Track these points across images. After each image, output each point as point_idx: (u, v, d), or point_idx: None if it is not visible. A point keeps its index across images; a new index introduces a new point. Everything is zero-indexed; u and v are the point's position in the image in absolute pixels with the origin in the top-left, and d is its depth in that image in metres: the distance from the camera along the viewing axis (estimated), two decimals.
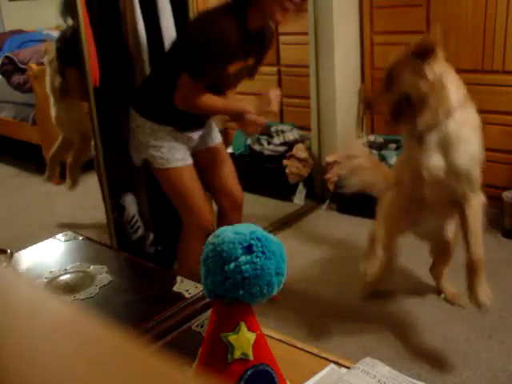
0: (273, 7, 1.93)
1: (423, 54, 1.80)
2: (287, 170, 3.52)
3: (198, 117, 2.15)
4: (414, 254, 2.82)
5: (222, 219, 2.38)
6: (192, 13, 2.48)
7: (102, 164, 2.38)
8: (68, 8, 2.66)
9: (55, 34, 5.41)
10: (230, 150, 3.81)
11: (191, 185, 2.17)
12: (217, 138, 2.34)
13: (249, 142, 3.70)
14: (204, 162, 2.29)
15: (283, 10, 1.94)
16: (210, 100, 2.03)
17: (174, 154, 2.12)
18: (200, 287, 0.89)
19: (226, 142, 4.02)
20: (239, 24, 1.96)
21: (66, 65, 2.69)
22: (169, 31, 2.40)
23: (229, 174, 2.35)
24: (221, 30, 1.92)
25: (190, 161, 2.19)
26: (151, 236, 2.87)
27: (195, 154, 2.25)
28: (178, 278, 0.94)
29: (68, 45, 2.65)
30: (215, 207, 2.45)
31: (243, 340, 0.64)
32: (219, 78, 2.03)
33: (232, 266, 0.61)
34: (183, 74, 1.96)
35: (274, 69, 3.84)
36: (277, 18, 1.97)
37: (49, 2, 5.41)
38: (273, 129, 3.67)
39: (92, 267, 0.99)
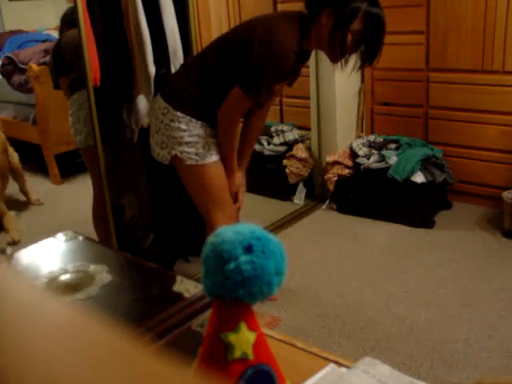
0: (336, 45, 1.91)
1: None
2: (287, 170, 3.52)
3: None
4: (413, 255, 2.82)
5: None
6: (192, 12, 2.48)
7: (102, 164, 2.38)
8: (68, 22, 2.73)
9: (55, 34, 5.42)
10: None
11: (224, 181, 2.10)
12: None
13: None
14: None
15: (345, 50, 1.92)
16: (237, 130, 2.05)
17: (209, 150, 2.04)
18: (200, 287, 0.89)
19: None
20: (299, 43, 1.93)
21: (61, 74, 2.73)
22: (171, 30, 2.40)
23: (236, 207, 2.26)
24: (285, 53, 1.88)
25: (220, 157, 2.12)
26: (151, 236, 2.87)
27: None
28: (178, 278, 0.94)
29: (62, 55, 2.71)
30: None
31: (243, 340, 0.64)
32: (268, 96, 2.03)
33: (232, 265, 0.61)
34: (237, 87, 1.93)
35: None
36: (336, 58, 1.97)
37: (49, 2, 5.42)
38: (273, 129, 3.67)
39: (92, 267, 0.99)
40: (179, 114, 2.00)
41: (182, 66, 2.16)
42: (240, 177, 2.16)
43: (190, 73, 2.04)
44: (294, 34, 1.91)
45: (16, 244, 3.31)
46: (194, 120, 2.00)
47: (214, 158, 2.05)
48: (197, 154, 2.02)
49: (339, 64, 2.01)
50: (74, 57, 2.64)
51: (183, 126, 2.00)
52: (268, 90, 1.93)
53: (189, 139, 2.01)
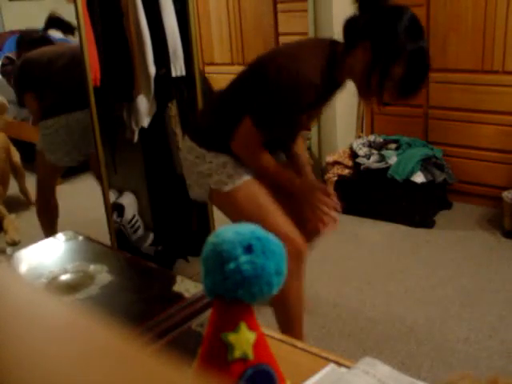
0: (371, 84, 1.67)
1: None
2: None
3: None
4: (413, 255, 2.82)
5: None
6: (192, 12, 2.47)
7: (102, 164, 2.38)
8: (25, 45, 2.92)
9: (55, 34, 5.41)
10: None
11: (268, 199, 1.82)
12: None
13: None
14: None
15: (381, 91, 1.69)
16: (265, 158, 1.79)
17: (240, 169, 1.82)
18: (200, 287, 0.89)
19: None
20: (327, 75, 1.69)
21: (24, 91, 2.80)
22: (171, 30, 2.40)
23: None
24: (304, 85, 1.64)
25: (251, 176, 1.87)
26: (151, 236, 2.87)
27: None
28: (178, 278, 0.94)
29: (23, 72, 2.78)
30: None
31: (243, 340, 0.64)
32: (292, 128, 1.86)
33: (232, 265, 0.61)
34: (247, 118, 1.72)
35: None
36: (368, 98, 1.76)
37: (49, 2, 5.42)
38: None
39: (92, 267, 0.99)
40: (204, 150, 1.84)
41: (207, 102, 2.06)
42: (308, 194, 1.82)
43: (213, 108, 1.91)
44: (320, 65, 1.67)
45: (16, 245, 3.33)
46: (220, 154, 1.83)
47: (248, 176, 1.83)
48: (228, 177, 1.82)
49: (368, 99, 1.81)
50: (40, 73, 2.73)
51: (208, 159, 1.84)
52: (282, 124, 1.75)
53: (216, 168, 1.83)
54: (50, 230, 2.92)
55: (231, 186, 1.82)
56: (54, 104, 2.71)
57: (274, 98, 1.69)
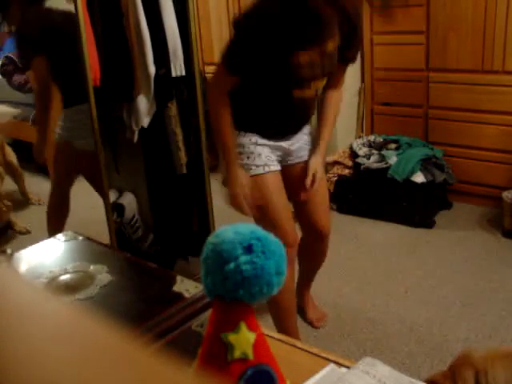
0: None
1: None
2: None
3: (286, 123, 1.92)
4: (413, 255, 2.82)
5: (304, 249, 2.10)
6: (192, 12, 2.48)
7: (102, 164, 2.38)
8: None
9: None
10: None
11: (274, 195, 1.88)
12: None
13: None
14: (292, 179, 2.00)
15: None
16: (224, 112, 1.82)
17: (255, 161, 1.88)
18: (200, 287, 0.89)
19: None
20: (289, 1, 1.68)
21: (34, 54, 2.42)
22: (171, 30, 2.40)
23: (319, 205, 2.03)
24: (258, 10, 1.67)
25: (274, 167, 1.92)
26: (151, 236, 2.87)
27: (285, 168, 2.00)
28: (178, 278, 0.94)
29: (33, 30, 2.43)
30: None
31: (243, 340, 0.64)
32: (278, 69, 1.78)
33: (232, 265, 0.61)
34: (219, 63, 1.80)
35: None
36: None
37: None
38: None
39: (92, 267, 0.99)
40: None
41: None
42: (245, 177, 1.88)
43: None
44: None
45: (29, 232, 3.42)
46: (241, 133, 1.90)
47: (260, 169, 1.88)
48: (244, 166, 1.89)
49: None
50: (47, 33, 2.44)
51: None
52: (243, 55, 1.74)
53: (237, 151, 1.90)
54: (57, 229, 2.83)
55: (255, 170, 1.88)
56: (77, 91, 2.52)
57: (235, 34, 1.74)
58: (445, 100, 3.24)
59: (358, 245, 2.96)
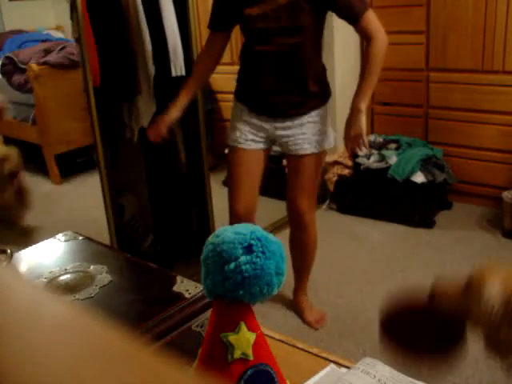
0: None
1: None
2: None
3: (273, 102, 2.01)
4: (413, 255, 2.82)
5: (291, 244, 2.29)
6: (192, 12, 2.48)
7: (102, 164, 2.38)
8: None
9: (55, 34, 5.42)
10: None
11: (239, 168, 2.11)
12: (307, 149, 2.07)
13: None
14: (288, 168, 2.24)
15: None
16: (194, 66, 2.16)
17: (235, 135, 2.08)
18: (200, 287, 0.89)
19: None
20: None
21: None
22: (171, 29, 2.40)
23: (297, 188, 2.16)
24: None
25: (254, 146, 2.08)
26: (151, 236, 2.87)
27: (286, 157, 2.22)
28: (178, 278, 0.94)
29: None
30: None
31: (243, 340, 0.64)
32: (237, 23, 2.03)
33: (232, 265, 0.61)
34: None
35: None
36: None
37: (49, 2, 5.42)
38: None
39: (92, 267, 0.99)
40: (234, 98, 2.14)
41: None
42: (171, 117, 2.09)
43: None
44: None
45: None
46: (237, 102, 2.11)
47: (235, 143, 2.08)
48: (228, 136, 2.13)
49: None
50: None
51: (231, 109, 2.15)
52: (213, 12, 2.03)
53: (231, 120, 2.14)
54: None
55: (227, 143, 2.15)
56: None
57: None
58: (445, 100, 3.24)
59: (358, 245, 2.96)
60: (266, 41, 1.94)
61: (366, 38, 1.97)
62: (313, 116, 2.03)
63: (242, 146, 2.08)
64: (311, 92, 2.00)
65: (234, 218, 2.13)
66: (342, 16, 1.95)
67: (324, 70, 2.08)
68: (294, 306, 2.39)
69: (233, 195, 2.13)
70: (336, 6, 1.91)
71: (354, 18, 1.92)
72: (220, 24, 2.06)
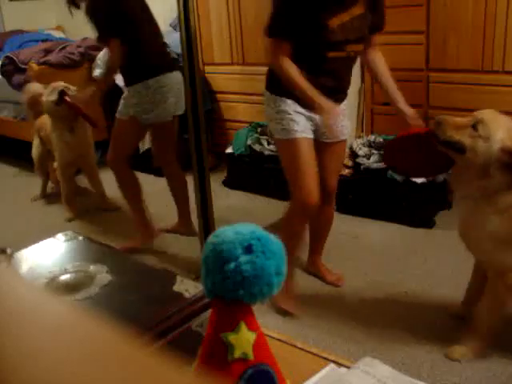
0: None
1: None
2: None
3: (327, 96, 2.09)
4: (413, 255, 2.82)
5: (318, 213, 2.35)
6: (192, 12, 2.47)
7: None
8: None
9: (55, 34, 5.41)
10: (229, 149, 3.81)
11: (305, 159, 2.17)
12: (345, 134, 2.33)
13: (249, 142, 3.70)
14: (323, 154, 2.32)
15: None
16: (288, 67, 2.05)
17: (294, 126, 2.14)
18: (200, 287, 0.89)
19: (226, 141, 4.02)
20: None
21: (109, 36, 2.60)
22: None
23: (332, 171, 2.36)
24: None
25: (310, 135, 2.19)
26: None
27: (316, 143, 2.27)
28: (178, 278, 0.94)
29: (110, 13, 2.57)
30: None
31: (243, 340, 0.64)
32: (312, 32, 2.03)
33: (232, 265, 0.61)
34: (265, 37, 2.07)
35: None
36: None
37: (49, 2, 5.42)
38: None
39: (92, 267, 0.99)
40: (269, 95, 2.20)
41: None
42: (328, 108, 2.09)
43: None
44: None
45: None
46: (279, 98, 2.15)
47: (297, 134, 2.14)
48: (283, 130, 2.16)
49: None
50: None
51: (272, 105, 2.19)
52: (284, 21, 2.01)
53: (276, 116, 2.17)
54: (135, 202, 2.85)
55: (280, 137, 2.19)
56: (154, 63, 2.69)
57: (275, 5, 2.05)
58: (445, 100, 3.24)
59: (358, 245, 2.95)
60: (340, 49, 2.09)
61: (373, 45, 2.24)
62: (343, 106, 2.29)
63: (306, 135, 2.17)
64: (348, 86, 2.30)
65: (307, 209, 2.20)
66: (373, 22, 2.14)
67: None
68: (313, 270, 2.63)
69: (304, 186, 2.17)
70: (375, 13, 2.13)
71: (381, 26, 2.21)
72: (290, 32, 2.05)
